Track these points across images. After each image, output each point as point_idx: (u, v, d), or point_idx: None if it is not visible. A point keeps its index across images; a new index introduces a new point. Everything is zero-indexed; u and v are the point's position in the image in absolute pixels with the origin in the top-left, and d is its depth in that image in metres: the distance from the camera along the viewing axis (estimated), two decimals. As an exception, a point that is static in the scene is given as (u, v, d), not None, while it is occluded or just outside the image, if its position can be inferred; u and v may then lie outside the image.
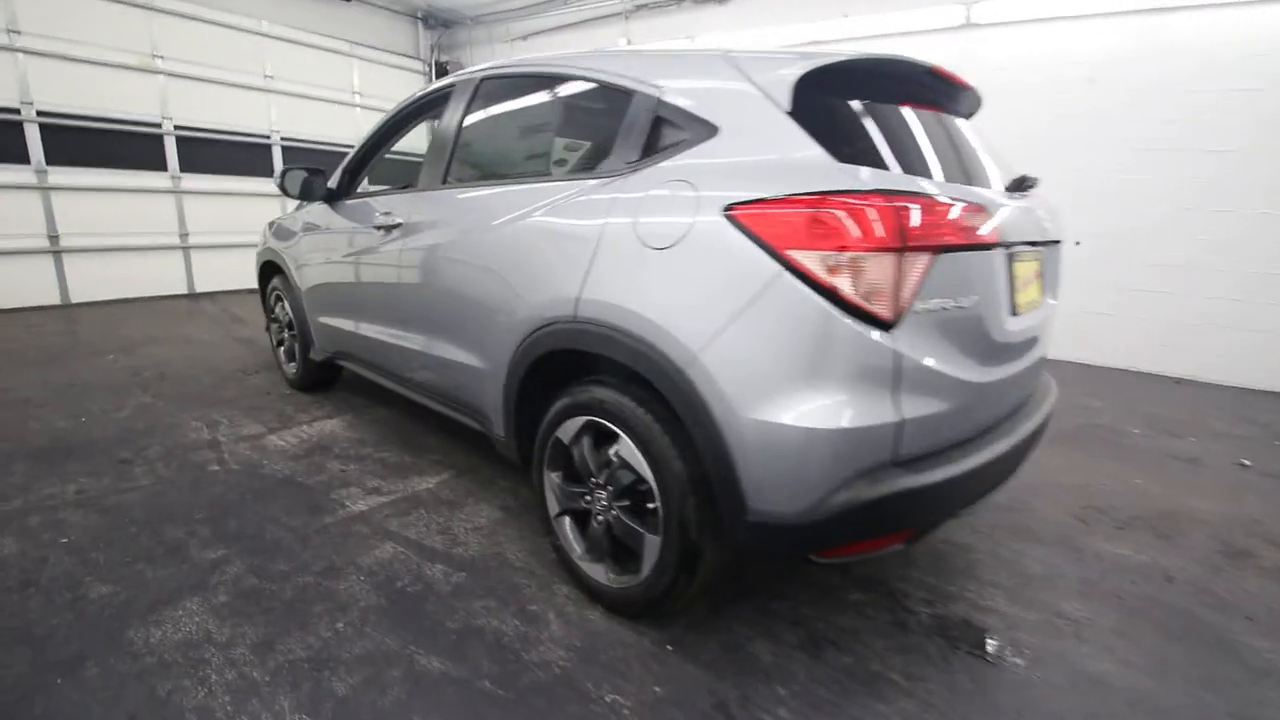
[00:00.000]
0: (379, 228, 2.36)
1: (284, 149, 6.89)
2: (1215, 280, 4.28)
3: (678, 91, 1.53)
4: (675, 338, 1.35)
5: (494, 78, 2.10)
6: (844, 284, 1.20)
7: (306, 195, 2.77)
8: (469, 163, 2.18)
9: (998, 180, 1.68)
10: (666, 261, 1.38)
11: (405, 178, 2.51)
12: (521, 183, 1.85)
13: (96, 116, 5.50)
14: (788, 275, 1.23)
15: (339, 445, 2.75)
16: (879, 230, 1.19)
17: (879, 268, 1.20)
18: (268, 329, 3.72)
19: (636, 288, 1.43)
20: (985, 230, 1.38)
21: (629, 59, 1.70)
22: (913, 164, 1.42)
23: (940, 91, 1.67)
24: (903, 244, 1.21)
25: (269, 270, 3.50)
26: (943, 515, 1.42)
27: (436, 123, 2.31)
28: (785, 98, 1.37)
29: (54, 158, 5.34)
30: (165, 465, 2.48)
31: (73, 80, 5.34)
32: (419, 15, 8.06)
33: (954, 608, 1.78)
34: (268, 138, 6.75)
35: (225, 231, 6.52)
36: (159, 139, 5.95)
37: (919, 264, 1.24)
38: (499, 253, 1.81)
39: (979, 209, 1.38)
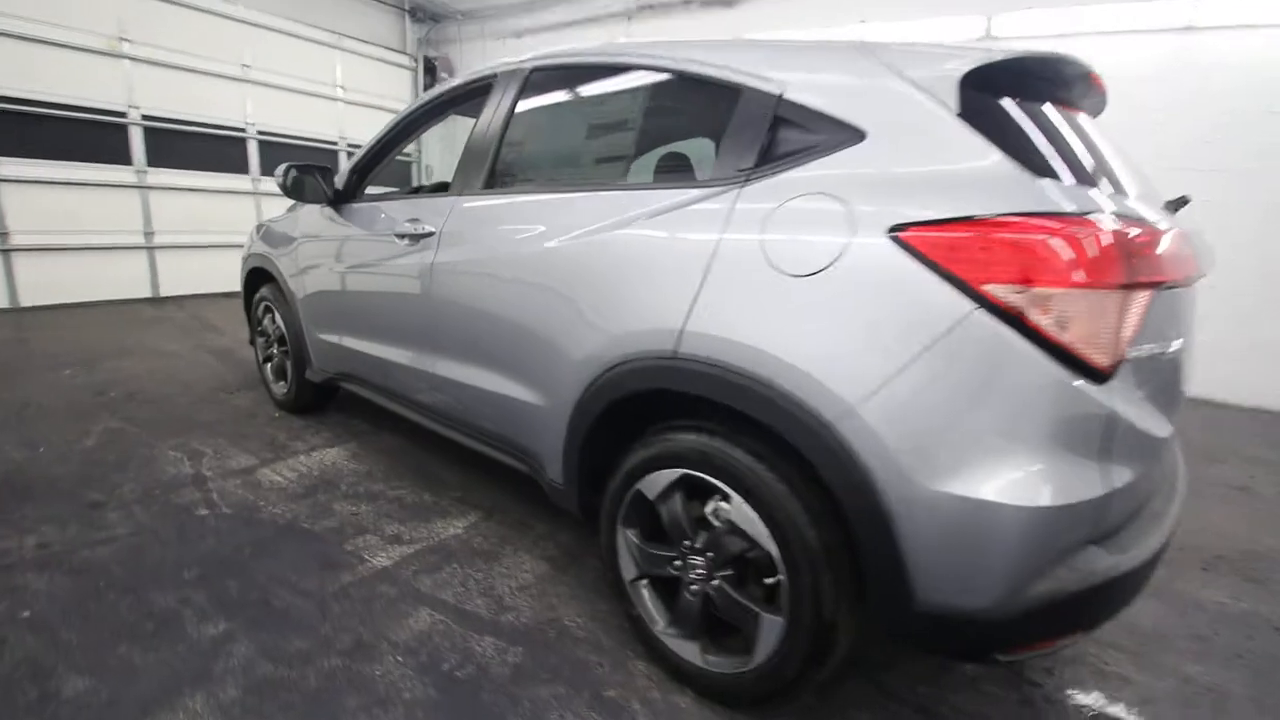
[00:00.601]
0: (403, 236, 2.06)
1: (260, 143, 6.45)
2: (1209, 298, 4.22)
3: (804, 88, 1.28)
4: (824, 386, 1.10)
5: (548, 69, 1.83)
6: (1057, 326, 0.97)
7: (313, 196, 2.44)
8: (520, 166, 1.90)
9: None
10: (810, 291, 1.13)
11: (394, 180, 2.22)
12: (594, 190, 1.59)
13: (54, 103, 5.02)
14: (981, 314, 0.99)
15: (345, 481, 2.42)
16: (1102, 262, 0.97)
17: (1100, 306, 0.98)
18: (252, 342, 3.35)
19: (767, 322, 1.18)
20: (1188, 260, 1.17)
21: (731, 49, 1.44)
22: (1086, 177, 1.20)
23: (1084, 94, 1.46)
24: (1128, 278, 0.99)
25: (257, 278, 3.14)
26: (1131, 599, 1.20)
27: (474, 120, 2.02)
28: (951, 97, 1.14)
29: (5, 148, 4.85)
30: (144, 509, 2.13)
31: (28, 63, 4.86)
32: (406, 8, 7.69)
33: (1079, 675, 1.57)
34: (243, 131, 6.30)
35: (195, 231, 6.06)
36: (124, 129, 5.47)
37: (1141, 301, 1.02)
38: (566, 271, 1.53)
39: (1181, 236, 1.17)
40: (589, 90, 1.74)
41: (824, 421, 1.10)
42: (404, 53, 7.85)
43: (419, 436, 2.84)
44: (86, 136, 5.23)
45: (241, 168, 6.37)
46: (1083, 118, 1.43)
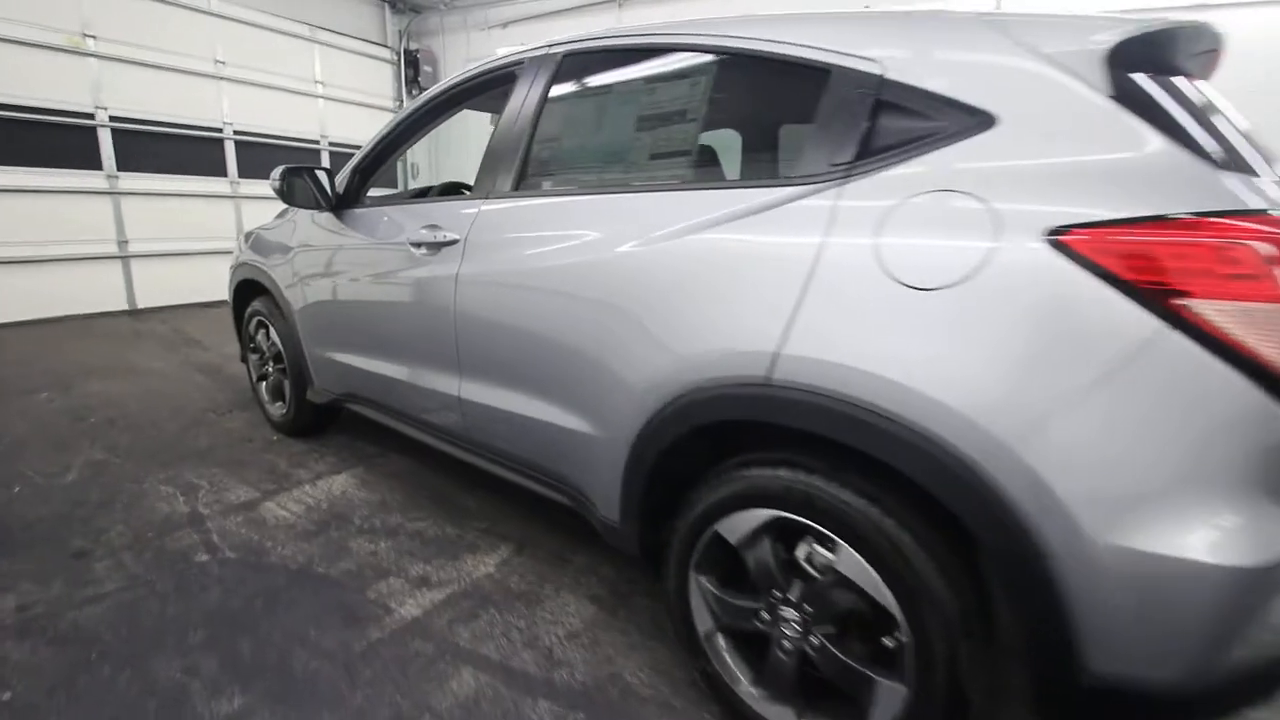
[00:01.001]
0: (419, 245, 1.85)
1: (239, 144, 6.13)
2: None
3: (914, 67, 1.10)
4: (967, 419, 0.92)
5: (585, 53, 1.63)
6: (1276, 350, 0.80)
7: (312, 201, 2.21)
8: (557, 164, 1.70)
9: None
10: (944, 307, 0.95)
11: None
12: (654, 190, 1.39)
13: (13, 105, 4.69)
14: (1175, 334, 0.82)
15: (358, 513, 2.21)
16: (1330, 270, 0.80)
17: (1329, 325, 0.81)
18: (244, 359, 3.11)
19: (889, 343, 1.00)
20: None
21: (813, 24, 1.25)
22: (1246, 165, 1.03)
23: (1204, 68, 1.29)
24: (1355, 289, 0.82)
25: (248, 290, 2.90)
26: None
27: (499, 113, 1.81)
28: (1099, 75, 0.96)
29: (-39, 154, 4.52)
30: (136, 556, 1.91)
31: (-17, 62, 4.52)
32: (386, -1, 7.39)
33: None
34: (219, 131, 5.99)
35: (171, 238, 5.75)
36: (91, 131, 5.15)
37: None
38: (626, 284, 1.34)
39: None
40: (636, 76, 1.53)
41: (968, 462, 0.93)
42: (384, 45, 7.54)
43: (430, 458, 2.63)
44: (51, 140, 4.91)
45: (219, 170, 6.05)
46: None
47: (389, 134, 2.20)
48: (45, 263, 5.03)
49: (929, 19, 1.18)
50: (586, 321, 1.41)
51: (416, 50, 7.63)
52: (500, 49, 7.22)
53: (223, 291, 3.16)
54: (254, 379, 3.04)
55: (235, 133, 6.09)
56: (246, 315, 2.94)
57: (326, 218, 2.32)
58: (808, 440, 1.12)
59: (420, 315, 1.90)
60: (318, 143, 6.92)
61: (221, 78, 5.91)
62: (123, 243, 5.45)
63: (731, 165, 1.39)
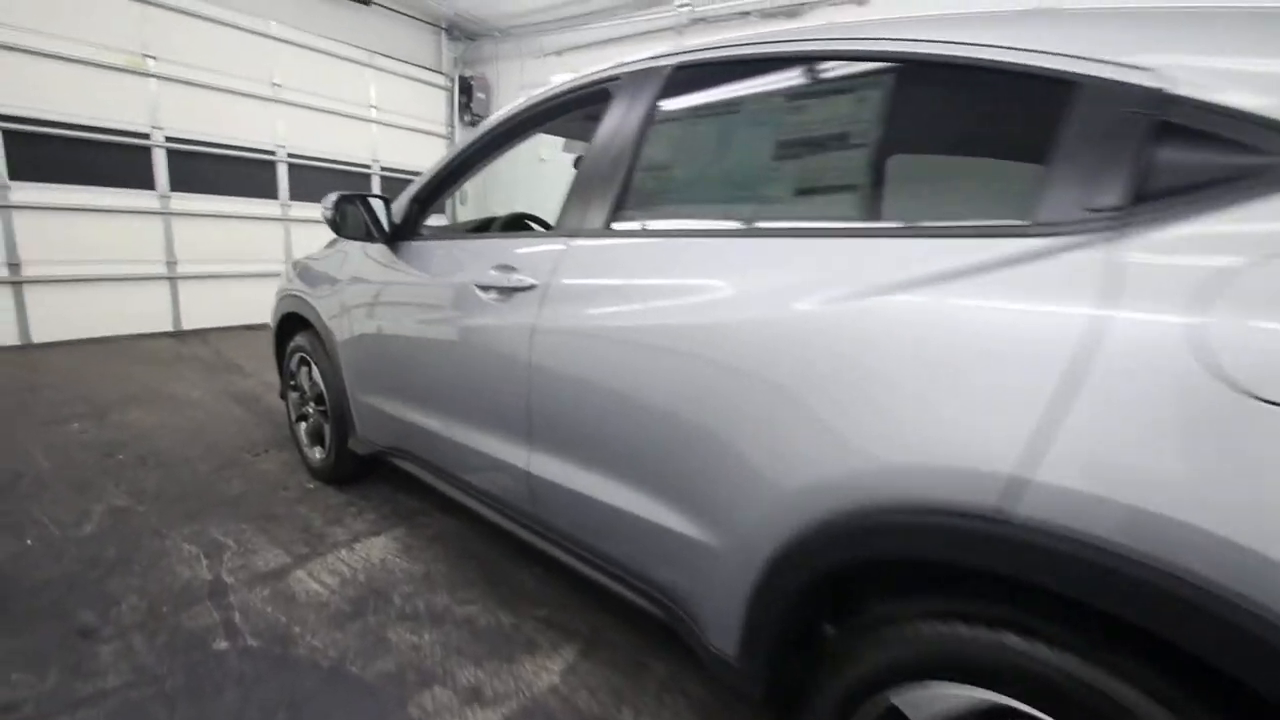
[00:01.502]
0: (488, 288, 1.58)
1: (290, 166, 6.09)
2: None
3: (1217, 80, 0.77)
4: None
5: (703, 65, 1.34)
6: None
7: (366, 232, 1.97)
8: (669, 197, 1.41)
9: None
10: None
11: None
12: (815, 234, 1.08)
13: (71, 124, 4.67)
14: None
15: (399, 589, 1.92)
16: None
17: None
18: (283, 396, 2.88)
19: (1223, 482, 0.66)
20: None
21: (1049, 22, 0.94)
22: None
23: None
24: None
25: (291, 323, 2.68)
26: None
27: (576, 137, 1.54)
28: None
29: (19, 172, 4.50)
30: (147, 639, 1.64)
31: (44, 80, 4.52)
32: (443, 26, 7.36)
33: None
34: (273, 154, 5.95)
35: (220, 260, 5.68)
36: (146, 152, 5.12)
37: None
38: (777, 356, 1.02)
39: None
40: (777, 91, 1.23)
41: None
42: (439, 72, 7.51)
43: (479, 518, 2.33)
44: (106, 159, 4.88)
45: (270, 192, 6.00)
46: None
47: (454, 160, 1.96)
48: (93, 282, 4.98)
49: (1221, 15, 0.85)
50: (715, 397, 1.10)
51: (470, 77, 7.58)
52: (555, 76, 7.11)
53: (267, 315, 2.96)
54: (293, 418, 2.80)
55: (289, 155, 6.04)
56: (289, 350, 2.72)
57: (380, 250, 2.08)
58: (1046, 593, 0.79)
59: (485, 370, 1.61)
60: (369, 167, 6.87)
61: (277, 100, 5.89)
62: (171, 263, 5.39)
63: (917, 204, 1.07)
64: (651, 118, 1.38)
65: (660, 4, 5.97)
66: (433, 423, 1.87)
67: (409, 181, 2.06)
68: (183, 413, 3.48)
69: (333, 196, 1.92)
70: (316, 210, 6.40)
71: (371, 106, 6.77)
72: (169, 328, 5.51)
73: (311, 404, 2.62)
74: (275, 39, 5.79)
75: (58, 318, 4.82)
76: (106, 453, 2.86)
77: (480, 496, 1.80)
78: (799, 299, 1.00)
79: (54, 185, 4.65)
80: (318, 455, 2.63)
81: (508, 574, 2.03)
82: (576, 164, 2.62)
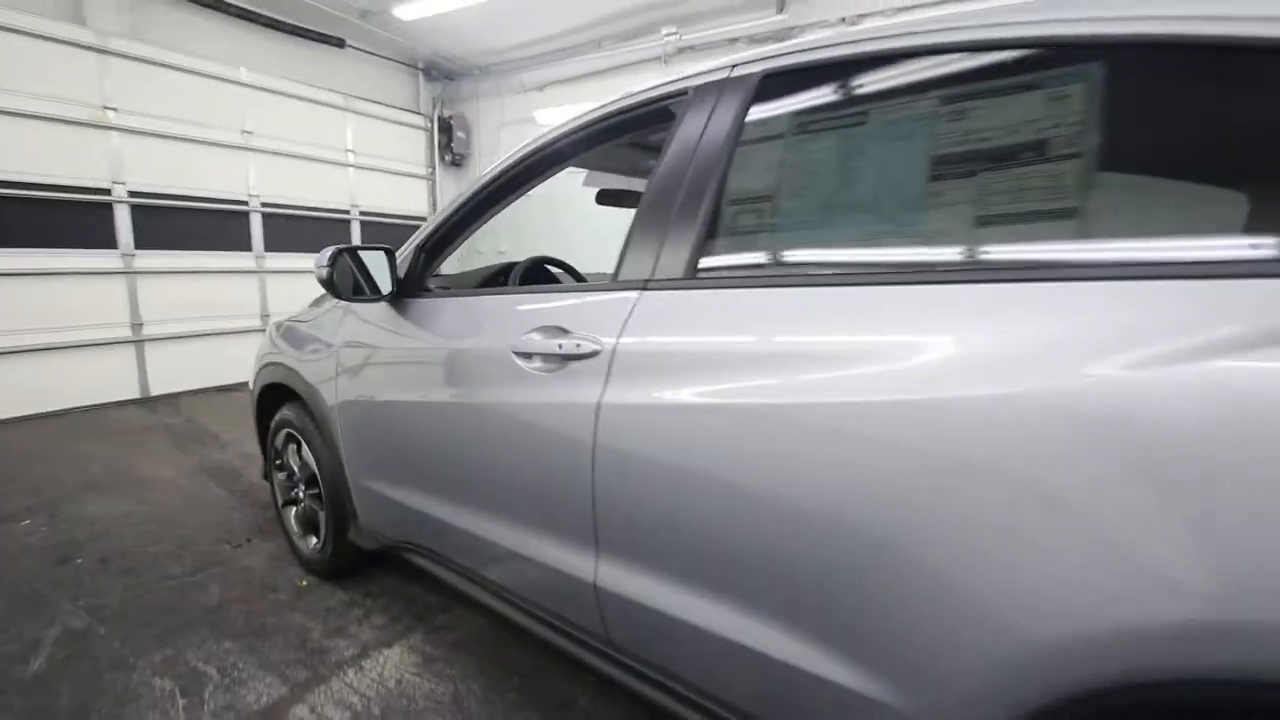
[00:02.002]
0: (529, 354, 1.28)
1: (265, 216, 5.76)
2: None
3: None
4: None
5: (805, 69, 1.07)
6: None
7: (366, 290, 1.66)
8: (783, 233, 1.11)
9: None
10: None
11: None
12: (1034, 278, 0.79)
13: (21, 183, 4.32)
14: None
15: (426, 725, 1.56)
16: None
17: None
18: (267, 476, 2.52)
19: None
20: None
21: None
22: None
23: None
24: None
25: (275, 395, 2.33)
26: None
27: (611, 169, 1.28)
28: None
29: (-33, 237, 4.12)
30: (104, 837, 1.26)
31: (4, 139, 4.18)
32: (420, 66, 7.17)
33: None
34: (245, 204, 5.63)
35: (190, 318, 5.30)
36: (108, 209, 4.77)
37: None
38: (1041, 442, 0.71)
39: None
40: (915, 91, 0.95)
41: None
42: (418, 113, 7.29)
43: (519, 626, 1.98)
44: (62, 219, 4.52)
45: (243, 244, 5.66)
46: None
47: (468, 201, 1.67)
48: (50, 351, 4.56)
49: None
50: (917, 502, 0.79)
51: (450, 116, 7.38)
52: (538, 111, 6.93)
53: (243, 372, 2.62)
54: (279, 503, 2.43)
55: (262, 204, 5.72)
56: (273, 425, 2.37)
57: (382, 310, 1.77)
58: None
59: (530, 455, 1.30)
60: (348, 213, 6.57)
61: (249, 148, 5.59)
62: (137, 325, 4.99)
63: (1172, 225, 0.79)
64: (738, 137, 1.11)
65: (645, 34, 5.83)
66: (459, 517, 1.54)
67: (389, 226, 1.78)
68: (151, 497, 3.08)
69: (328, 251, 1.61)
70: (293, 261, 6.06)
71: (349, 150, 6.50)
72: (136, 394, 5.08)
73: (302, 487, 2.27)
74: (246, 85, 5.52)
75: (8, 392, 4.39)
76: (62, 557, 2.46)
77: (527, 608, 1.47)
78: (1092, 362, 0.69)
79: (5, 251, 4.26)
80: (311, 546, 2.27)
81: (555, 690, 1.68)
82: (603, 200, 2.36)
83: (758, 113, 1.10)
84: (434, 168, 7.46)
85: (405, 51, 6.83)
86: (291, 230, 5.99)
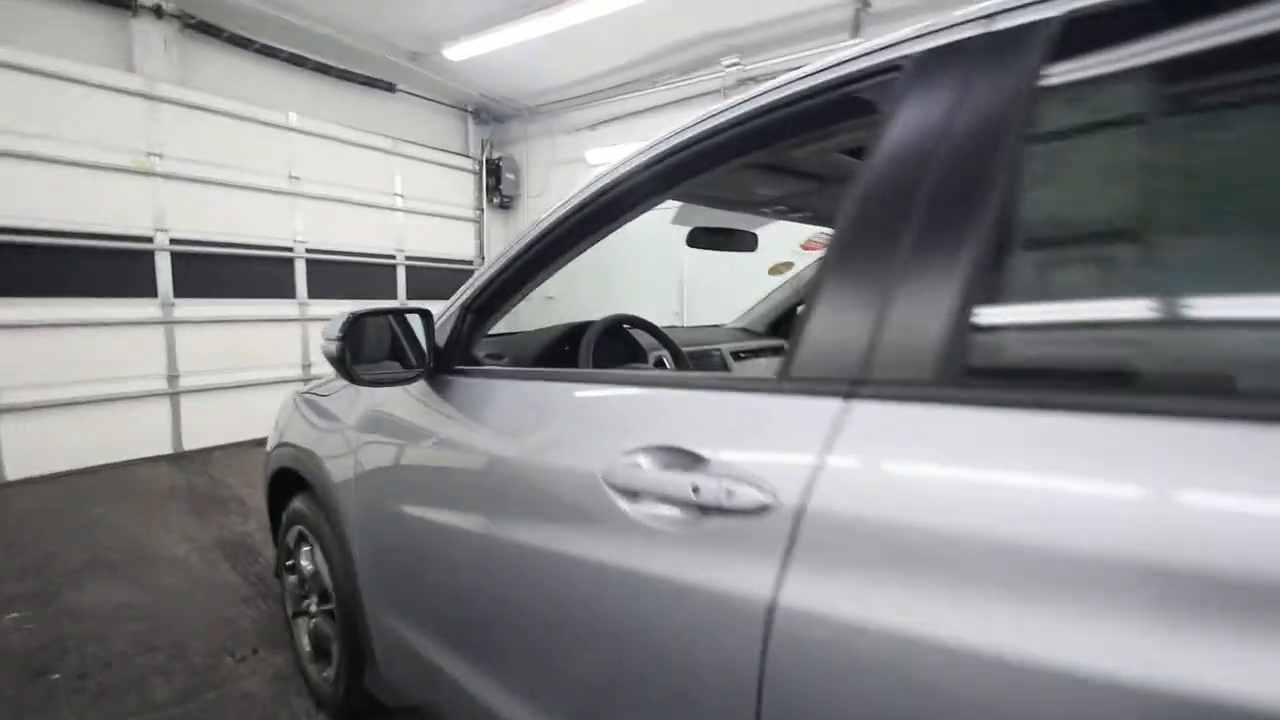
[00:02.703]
0: (636, 492, 0.79)
1: (309, 262, 5.55)
2: None
3: None
4: None
5: (1146, 5, 0.59)
6: None
7: (392, 369, 1.22)
8: (1165, 301, 0.62)
9: None
10: None
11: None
12: None
13: (63, 231, 4.16)
14: None
15: None
16: None
17: None
18: (279, 574, 2.09)
19: None
20: None
21: None
22: None
23: None
24: None
25: (287, 481, 1.91)
26: None
27: (849, 187, 0.88)
28: None
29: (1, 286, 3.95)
30: None
31: (40, 185, 4.04)
32: (469, 109, 7.02)
33: None
34: (290, 250, 5.43)
35: (228, 369, 5.05)
36: (148, 256, 4.59)
37: None
38: None
39: None
40: None
41: None
42: (466, 155, 7.12)
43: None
44: (101, 268, 4.34)
45: (287, 291, 5.44)
46: None
47: (531, 246, 1.22)
48: (86, 404, 4.34)
49: None
50: None
51: (499, 159, 7.18)
52: (589, 151, 6.66)
53: None
54: (289, 612, 1.99)
55: (307, 251, 5.52)
56: (285, 518, 1.94)
57: (419, 389, 1.32)
58: None
59: (640, 654, 0.80)
60: (393, 258, 6.34)
61: (295, 194, 5.42)
62: (173, 377, 4.76)
63: None
64: (1029, 127, 0.62)
65: (704, 67, 5.50)
66: (515, 708, 1.04)
67: (436, 270, 1.33)
68: (157, 582, 2.69)
69: (339, 319, 1.18)
70: (337, 308, 5.81)
71: (396, 195, 6.31)
72: (168, 450, 4.81)
73: (314, 599, 1.82)
74: (294, 130, 5.38)
75: (37, 449, 4.15)
76: (39, 667, 2.06)
77: None
78: None
79: (39, 300, 4.08)
80: (322, 674, 1.80)
81: None
82: (697, 240, 1.92)
83: (1066, 83, 0.61)
84: (482, 210, 7.24)
85: (454, 94, 6.69)
86: (336, 276, 5.76)
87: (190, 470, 4.51)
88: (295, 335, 5.56)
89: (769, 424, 0.72)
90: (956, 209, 0.63)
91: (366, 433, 1.46)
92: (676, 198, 1.43)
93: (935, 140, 0.67)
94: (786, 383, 0.72)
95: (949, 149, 0.65)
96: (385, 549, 1.39)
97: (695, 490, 0.73)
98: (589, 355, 1.47)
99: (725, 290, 5.41)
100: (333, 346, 1.16)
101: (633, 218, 1.16)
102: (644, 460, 0.81)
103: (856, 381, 0.66)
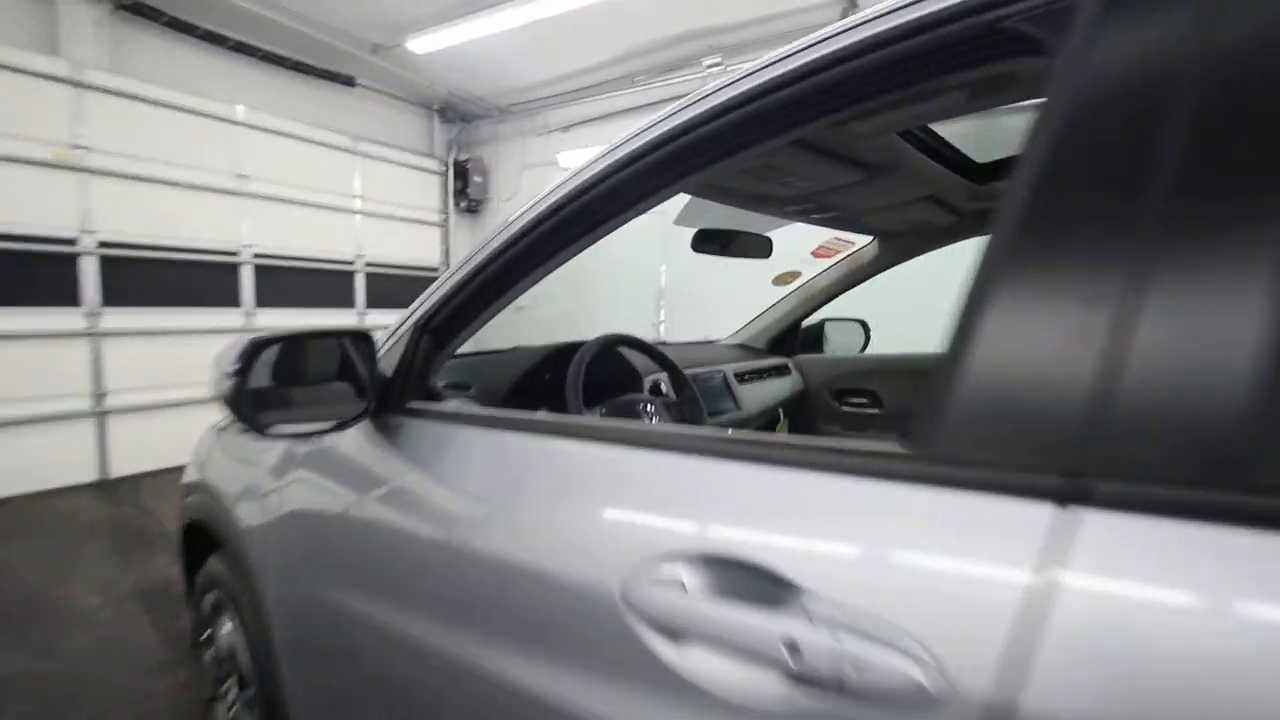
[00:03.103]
0: (683, 634, 0.50)
1: (258, 268, 5.12)
2: None
3: None
4: None
5: None
6: None
7: (305, 422, 0.92)
8: None
9: None
10: None
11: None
12: None
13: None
14: None
15: None
16: None
17: None
18: (195, 645, 1.72)
19: None
20: None
21: None
22: None
23: None
24: None
25: (202, 536, 1.57)
26: None
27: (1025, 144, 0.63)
28: None
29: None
30: None
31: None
32: (435, 107, 6.66)
33: None
34: (236, 254, 4.99)
35: (163, 386, 4.58)
36: (71, 261, 4.13)
37: None
38: None
39: None
40: None
41: None
42: (432, 156, 6.75)
43: None
44: (15, 273, 3.87)
45: (232, 300, 5.00)
46: None
47: (503, 250, 0.92)
48: (-6, 427, 3.85)
49: None
50: None
51: (466, 160, 6.83)
52: (561, 154, 6.37)
53: None
54: (206, 696, 1.63)
55: (255, 255, 5.09)
56: (200, 579, 1.59)
57: (357, 435, 1.01)
58: None
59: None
60: (352, 264, 5.93)
61: (243, 193, 4.99)
62: (99, 396, 4.28)
63: None
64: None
65: (684, 67, 5.28)
66: None
67: (398, 278, 1.02)
68: (62, 643, 2.28)
69: (236, 346, 0.87)
70: (288, 318, 5.39)
71: (355, 197, 5.91)
72: (93, 477, 4.33)
73: (234, 683, 1.47)
74: (242, 125, 4.96)
75: (-62, 479, 3.66)
76: (-116, 769, 1.66)
77: None
78: None
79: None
80: (244, 780, 1.45)
81: None
82: (703, 244, 1.63)
83: None
84: (448, 214, 6.87)
85: (419, 91, 6.33)
86: (287, 283, 5.33)
87: (117, 501, 4.05)
88: (242, 347, 5.12)
89: (912, 533, 0.44)
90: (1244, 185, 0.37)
91: (290, 485, 1.14)
92: (689, 190, 1.15)
93: (1187, 72, 0.40)
94: (934, 464, 0.45)
95: (1209, 81, 0.39)
96: (312, 642, 1.07)
97: (791, 649, 0.44)
98: (578, 390, 1.16)
99: (710, 302, 5.16)
100: (227, 385, 0.84)
101: (641, 211, 0.87)
102: (687, 575, 0.52)
103: (1078, 474, 0.39)
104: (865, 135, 0.94)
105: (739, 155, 0.74)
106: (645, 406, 1.27)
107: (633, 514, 0.61)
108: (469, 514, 0.80)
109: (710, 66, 5.05)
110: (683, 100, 0.75)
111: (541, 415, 0.83)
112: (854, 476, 0.49)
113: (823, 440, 0.54)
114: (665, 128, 0.75)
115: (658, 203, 0.85)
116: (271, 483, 1.20)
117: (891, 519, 0.45)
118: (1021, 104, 0.78)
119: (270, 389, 0.94)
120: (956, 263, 1.84)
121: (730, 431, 0.61)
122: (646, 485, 0.63)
